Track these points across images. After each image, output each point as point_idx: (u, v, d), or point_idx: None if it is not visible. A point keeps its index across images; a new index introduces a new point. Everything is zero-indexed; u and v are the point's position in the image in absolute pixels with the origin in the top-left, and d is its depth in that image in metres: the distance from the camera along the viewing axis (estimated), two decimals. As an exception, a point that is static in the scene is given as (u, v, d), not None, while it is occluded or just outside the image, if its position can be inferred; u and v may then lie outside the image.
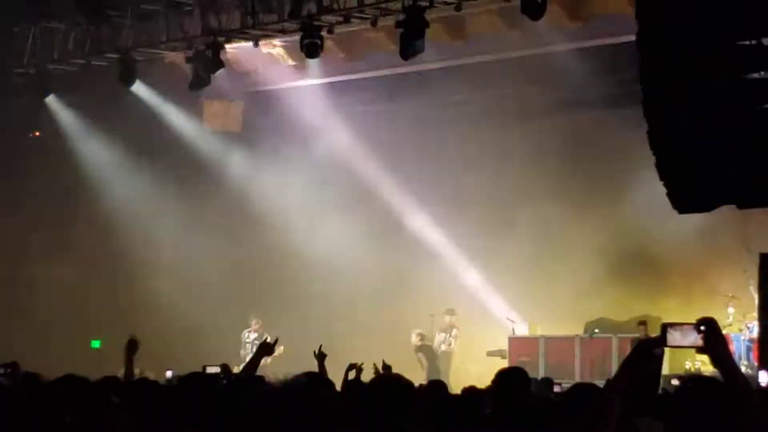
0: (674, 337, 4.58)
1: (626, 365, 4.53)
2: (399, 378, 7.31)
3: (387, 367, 11.08)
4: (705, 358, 4.65)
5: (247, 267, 25.04)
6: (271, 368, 12.58)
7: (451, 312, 23.54)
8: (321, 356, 11.02)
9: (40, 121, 25.18)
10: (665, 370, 17.28)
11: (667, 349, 4.77)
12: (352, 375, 11.17)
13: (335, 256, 24.09)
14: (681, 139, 12.34)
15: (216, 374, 9.23)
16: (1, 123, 24.53)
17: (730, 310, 20.15)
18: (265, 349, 9.11)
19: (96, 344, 22.66)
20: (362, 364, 11.51)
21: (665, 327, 4.60)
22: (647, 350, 4.50)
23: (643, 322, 20.25)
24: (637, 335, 19.49)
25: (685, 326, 4.59)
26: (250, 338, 23.98)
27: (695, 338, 4.59)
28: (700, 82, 12.23)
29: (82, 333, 23.08)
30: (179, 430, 5.42)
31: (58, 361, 13.31)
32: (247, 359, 22.73)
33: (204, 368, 9.44)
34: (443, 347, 23.44)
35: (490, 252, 23.49)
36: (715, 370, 4.73)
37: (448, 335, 23.49)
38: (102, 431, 5.93)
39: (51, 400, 8.01)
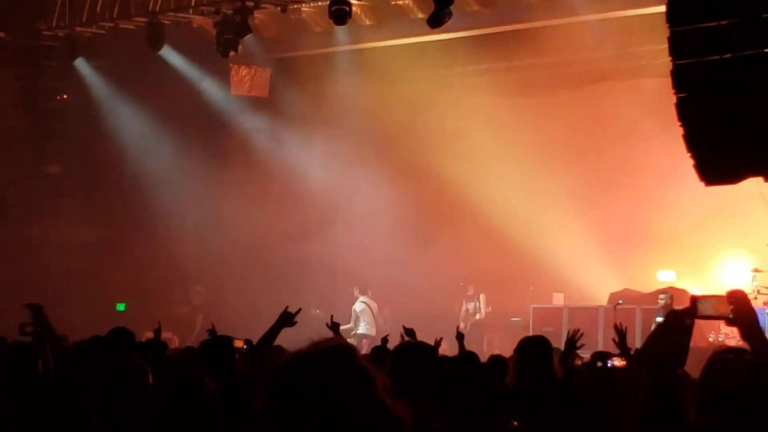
0: (705, 308, 4.58)
1: (656, 335, 4.52)
2: (422, 344, 7.34)
3: (410, 331, 10.94)
4: (730, 330, 4.66)
5: (271, 236, 24.94)
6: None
7: (469, 283, 23.49)
8: (335, 326, 10.95)
9: (68, 84, 25.22)
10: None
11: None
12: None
13: (363, 225, 23.97)
14: (710, 110, 12.27)
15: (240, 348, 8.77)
16: (28, 85, 24.60)
17: (755, 283, 20.09)
18: (286, 319, 8.52)
19: (121, 307, 22.74)
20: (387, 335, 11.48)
21: (695, 299, 4.60)
22: (678, 321, 4.50)
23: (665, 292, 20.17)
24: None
25: (715, 298, 4.59)
26: (358, 308, 23.42)
27: (726, 310, 4.58)
28: (729, 53, 12.16)
29: (108, 296, 23.15)
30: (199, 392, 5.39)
31: (84, 323, 13.40)
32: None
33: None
34: (477, 316, 23.36)
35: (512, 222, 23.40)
36: (741, 342, 4.73)
37: (477, 303, 23.42)
38: (124, 391, 5.94)
39: (74, 360, 8.04)
